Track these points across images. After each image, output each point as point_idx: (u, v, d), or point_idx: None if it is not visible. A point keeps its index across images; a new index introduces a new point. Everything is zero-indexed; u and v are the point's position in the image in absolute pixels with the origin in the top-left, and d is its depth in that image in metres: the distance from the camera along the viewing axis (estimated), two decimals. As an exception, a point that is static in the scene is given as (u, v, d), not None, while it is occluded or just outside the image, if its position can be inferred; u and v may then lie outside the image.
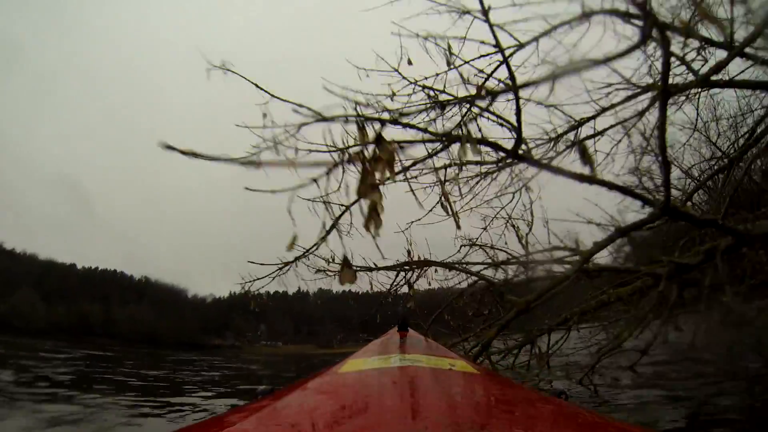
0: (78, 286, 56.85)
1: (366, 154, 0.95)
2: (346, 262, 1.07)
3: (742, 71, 2.80)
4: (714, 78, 2.52)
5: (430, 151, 1.87)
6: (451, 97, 2.23)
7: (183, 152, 0.78)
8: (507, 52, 1.97)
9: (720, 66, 2.17)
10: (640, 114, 3.26)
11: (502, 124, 1.97)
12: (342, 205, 1.85)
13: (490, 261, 3.67)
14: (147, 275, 71.29)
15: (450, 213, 1.63)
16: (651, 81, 3.07)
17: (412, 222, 3.13)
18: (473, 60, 2.32)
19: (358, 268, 3.38)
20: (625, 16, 2.12)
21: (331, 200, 1.36)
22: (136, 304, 58.51)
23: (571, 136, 3.28)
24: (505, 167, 2.96)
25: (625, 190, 2.04)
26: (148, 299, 60.99)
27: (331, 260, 3.15)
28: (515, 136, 1.63)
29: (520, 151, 1.66)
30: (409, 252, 3.39)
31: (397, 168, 1.80)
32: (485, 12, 1.50)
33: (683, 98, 3.55)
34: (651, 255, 3.52)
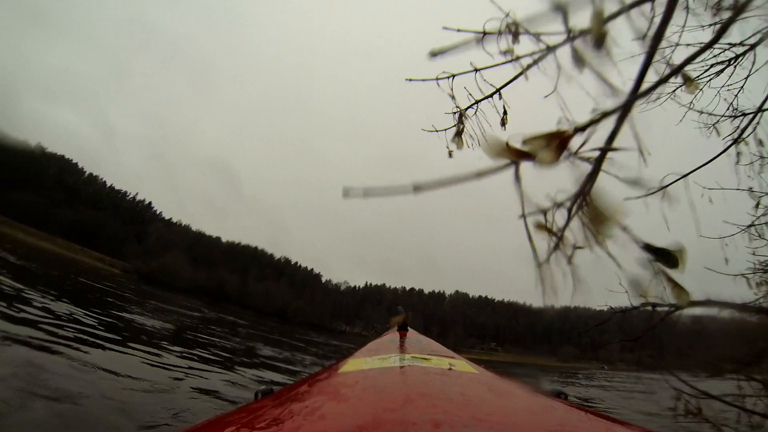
0: (221, 256, 61.75)
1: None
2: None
3: None
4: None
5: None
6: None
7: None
8: None
9: None
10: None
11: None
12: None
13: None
14: (287, 256, 75.14)
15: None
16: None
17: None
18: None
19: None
20: None
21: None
22: (274, 281, 61.11)
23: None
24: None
25: None
26: (285, 278, 63.46)
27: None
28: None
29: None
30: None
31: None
32: None
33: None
34: None
